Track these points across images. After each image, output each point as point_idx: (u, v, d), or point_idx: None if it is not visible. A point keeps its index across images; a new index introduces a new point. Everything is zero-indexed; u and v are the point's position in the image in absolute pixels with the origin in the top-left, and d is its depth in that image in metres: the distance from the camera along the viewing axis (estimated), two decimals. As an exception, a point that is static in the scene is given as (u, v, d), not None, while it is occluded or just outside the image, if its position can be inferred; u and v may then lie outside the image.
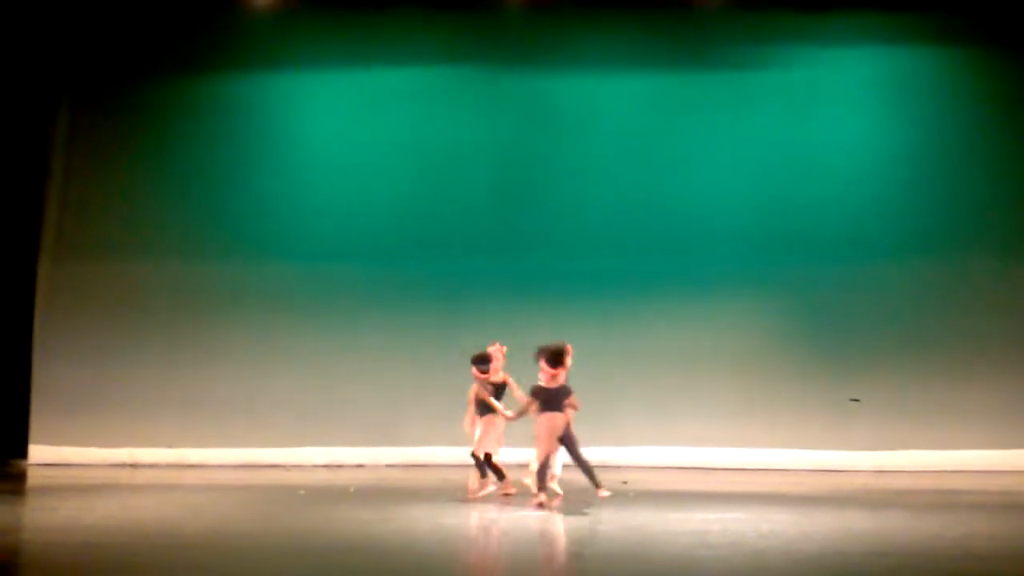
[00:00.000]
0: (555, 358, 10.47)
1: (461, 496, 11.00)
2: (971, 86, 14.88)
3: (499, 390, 11.07)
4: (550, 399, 10.46)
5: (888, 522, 9.39)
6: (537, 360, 10.53)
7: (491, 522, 9.47)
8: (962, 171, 14.77)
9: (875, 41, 15.01)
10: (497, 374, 11.08)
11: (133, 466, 14.51)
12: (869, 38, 15.00)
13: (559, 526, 9.35)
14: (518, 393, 10.93)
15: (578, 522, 9.60)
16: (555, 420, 10.43)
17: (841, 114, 14.95)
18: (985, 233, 14.67)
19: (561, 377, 10.50)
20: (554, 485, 10.87)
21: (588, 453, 11.45)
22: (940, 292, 14.63)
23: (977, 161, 14.79)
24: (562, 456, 10.76)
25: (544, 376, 10.47)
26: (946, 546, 8.18)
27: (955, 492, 12.04)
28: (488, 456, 10.95)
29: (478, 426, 11.03)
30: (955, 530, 8.95)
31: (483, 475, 11.06)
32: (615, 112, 15.09)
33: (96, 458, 14.57)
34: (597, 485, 10.54)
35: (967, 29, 14.85)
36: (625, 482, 11.79)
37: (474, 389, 11.07)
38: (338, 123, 15.29)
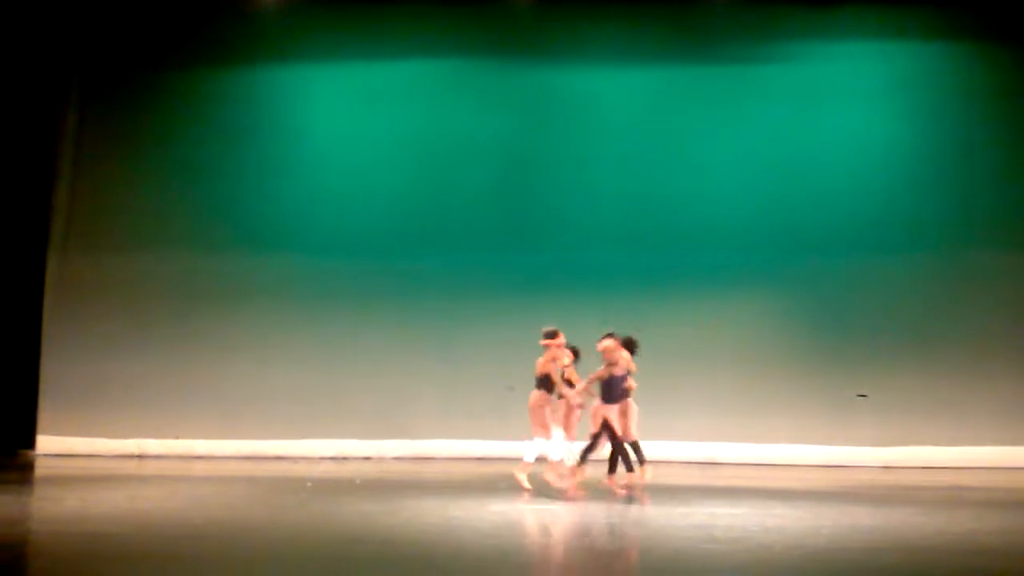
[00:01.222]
0: (635, 347, 11.44)
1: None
2: (981, 81, 14.82)
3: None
4: (626, 384, 11.25)
5: (894, 518, 9.38)
6: (605, 352, 11.05)
7: (498, 515, 9.47)
8: (970, 167, 14.72)
9: (883, 36, 14.96)
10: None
11: (140, 457, 14.55)
12: (877, 33, 14.95)
13: (564, 519, 9.35)
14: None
15: (584, 515, 9.61)
16: (630, 405, 11.21)
17: (848, 109, 14.91)
18: (992, 229, 14.61)
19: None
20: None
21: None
22: (947, 288, 14.59)
23: (985, 157, 14.73)
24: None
25: (630, 363, 11.23)
26: (953, 542, 8.17)
27: (962, 488, 12.03)
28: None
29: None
30: (962, 526, 8.93)
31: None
32: (621, 106, 15.07)
33: (103, 449, 14.62)
34: (627, 469, 11.07)
35: (976, 24, 14.80)
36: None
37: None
38: (344, 117, 15.30)
